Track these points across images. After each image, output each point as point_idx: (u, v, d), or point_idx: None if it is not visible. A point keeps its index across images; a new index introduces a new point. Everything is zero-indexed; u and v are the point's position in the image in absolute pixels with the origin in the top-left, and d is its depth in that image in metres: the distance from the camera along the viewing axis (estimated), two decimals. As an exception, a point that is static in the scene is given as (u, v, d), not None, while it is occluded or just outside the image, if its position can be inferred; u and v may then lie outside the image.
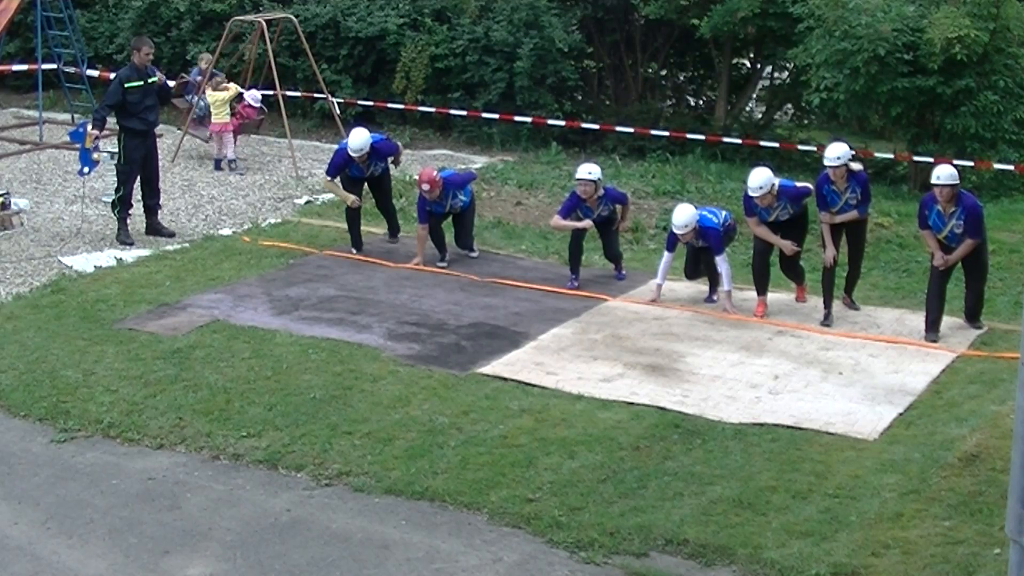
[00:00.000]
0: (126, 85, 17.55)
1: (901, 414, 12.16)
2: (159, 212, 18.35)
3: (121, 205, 17.76)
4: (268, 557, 9.54)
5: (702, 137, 24.01)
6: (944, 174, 14.13)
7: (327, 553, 9.61)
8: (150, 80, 17.80)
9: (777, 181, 14.93)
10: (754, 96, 28.24)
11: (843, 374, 13.19)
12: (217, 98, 22.62)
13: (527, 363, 13.34)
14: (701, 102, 28.71)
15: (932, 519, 9.99)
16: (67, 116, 26.07)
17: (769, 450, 11.23)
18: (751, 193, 14.88)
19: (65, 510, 10.27)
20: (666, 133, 23.98)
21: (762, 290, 15.23)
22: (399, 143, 18.56)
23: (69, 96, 26.20)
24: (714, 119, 26.13)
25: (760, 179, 14.81)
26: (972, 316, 14.77)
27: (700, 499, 10.37)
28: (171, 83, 20.23)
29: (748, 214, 15.18)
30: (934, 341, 14.21)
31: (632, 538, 9.75)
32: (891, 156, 23.09)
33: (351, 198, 17.28)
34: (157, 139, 18.50)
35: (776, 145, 23.39)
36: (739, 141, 23.82)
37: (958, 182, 14.24)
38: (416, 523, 10.06)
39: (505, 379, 12.88)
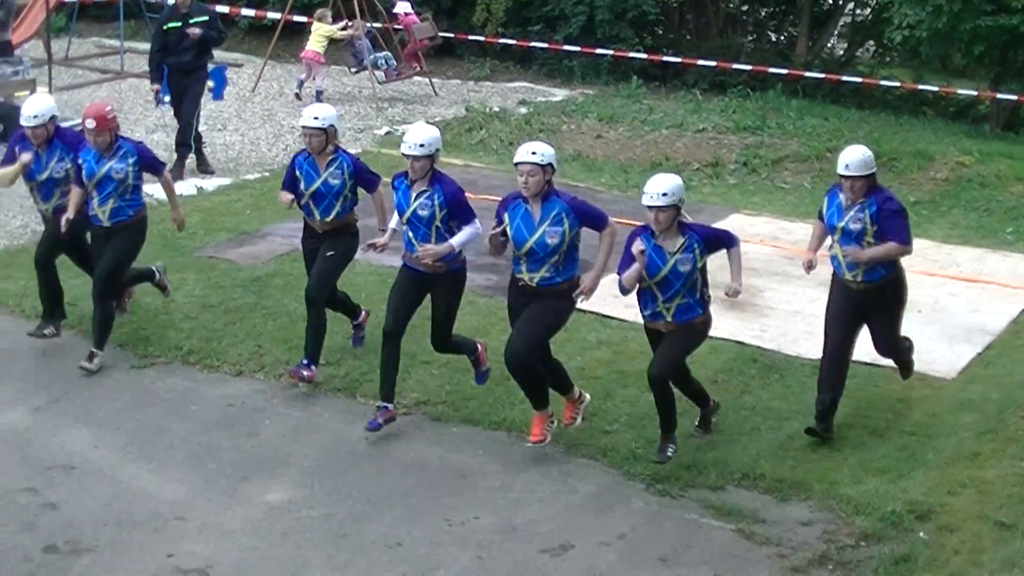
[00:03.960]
0: (164, 27, 17.54)
1: (980, 354, 12.10)
2: (186, 158, 17.77)
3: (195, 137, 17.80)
4: (345, 484, 9.63)
5: (783, 72, 23.82)
6: (853, 162, 10.19)
7: (404, 481, 9.68)
8: (191, 21, 17.61)
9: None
10: (835, 32, 28.00)
11: (922, 312, 13.08)
12: (321, 28, 22.57)
13: (605, 295, 13.30)
14: (782, 38, 28.52)
15: (1009, 459, 9.94)
16: (147, 46, 26.11)
17: (846, 387, 11.15)
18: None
19: (144, 435, 10.40)
20: (747, 68, 23.81)
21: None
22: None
23: (150, 26, 26.24)
24: (795, 55, 25.93)
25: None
26: (894, 360, 11.08)
27: (777, 434, 10.38)
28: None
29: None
30: (817, 434, 10.30)
31: (708, 472, 9.76)
32: (974, 94, 22.84)
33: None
34: (198, 80, 17.98)
35: (858, 81, 23.18)
36: (821, 77, 23.62)
37: (874, 171, 10.31)
38: (493, 453, 10.11)
39: (583, 311, 12.84)
